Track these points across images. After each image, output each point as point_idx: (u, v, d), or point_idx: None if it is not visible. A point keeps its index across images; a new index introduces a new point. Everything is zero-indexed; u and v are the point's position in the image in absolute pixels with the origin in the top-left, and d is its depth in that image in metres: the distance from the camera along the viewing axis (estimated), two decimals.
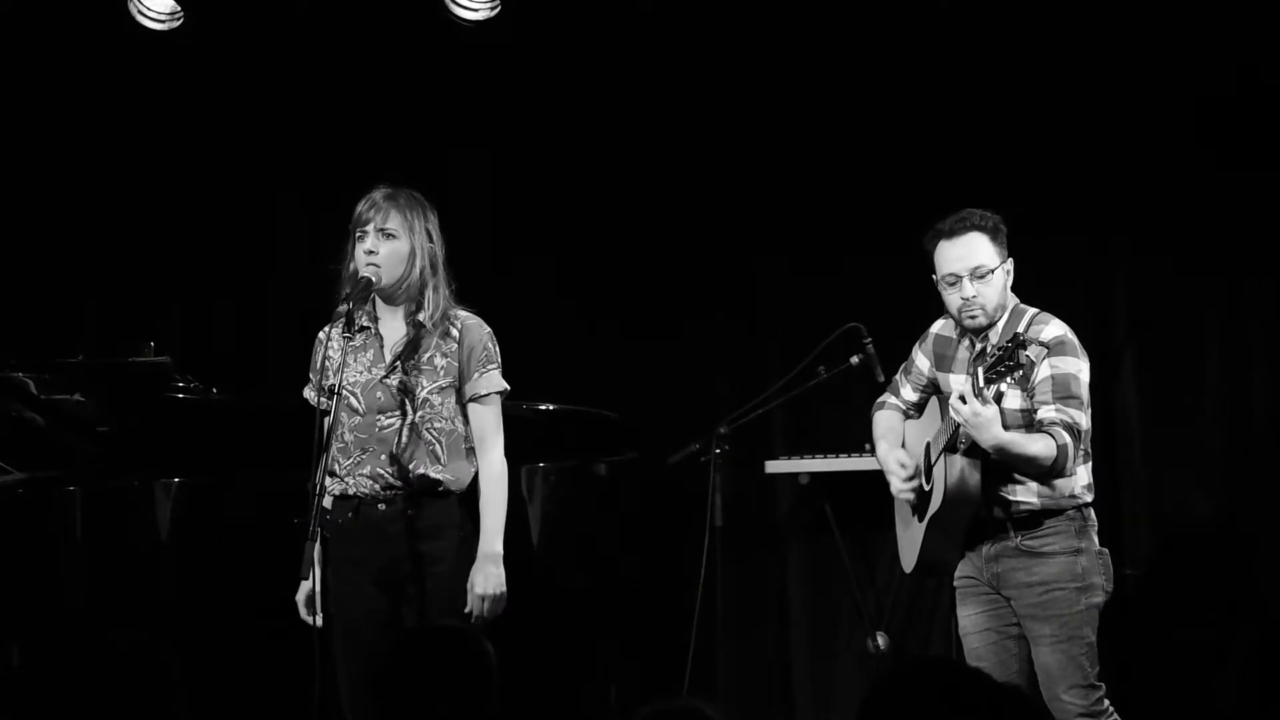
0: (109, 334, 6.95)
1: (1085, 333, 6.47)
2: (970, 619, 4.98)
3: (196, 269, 7.16)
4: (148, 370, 5.93)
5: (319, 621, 4.57)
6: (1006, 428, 4.71)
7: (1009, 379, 4.59)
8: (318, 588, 4.56)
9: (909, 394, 5.20)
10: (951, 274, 4.90)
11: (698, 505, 6.09)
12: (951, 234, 4.91)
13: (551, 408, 6.15)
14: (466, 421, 4.83)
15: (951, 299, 4.92)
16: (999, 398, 4.72)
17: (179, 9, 6.73)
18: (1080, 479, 4.86)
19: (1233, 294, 6.53)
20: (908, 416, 5.22)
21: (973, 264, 4.87)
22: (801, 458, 6.65)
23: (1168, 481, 6.54)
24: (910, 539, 5.11)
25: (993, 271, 4.86)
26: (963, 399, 4.62)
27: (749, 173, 6.86)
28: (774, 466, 6.67)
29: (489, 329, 4.83)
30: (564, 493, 5.95)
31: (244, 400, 6.15)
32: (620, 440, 6.26)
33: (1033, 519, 4.85)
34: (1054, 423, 4.74)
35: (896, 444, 5.16)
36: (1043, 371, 4.79)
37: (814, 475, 6.62)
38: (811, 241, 6.83)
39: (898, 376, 5.25)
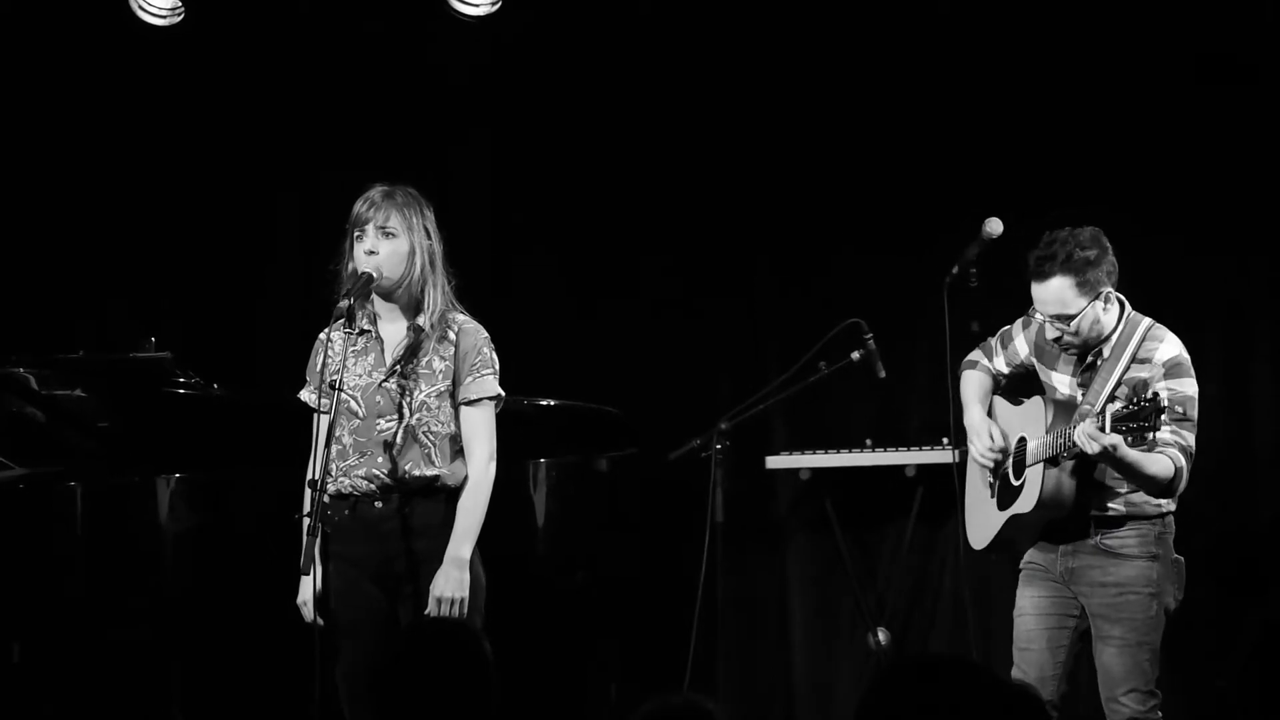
0: (110, 330, 6.95)
1: None
2: (1031, 601, 4.97)
3: (196, 265, 7.15)
4: (148, 366, 5.92)
5: (320, 619, 4.57)
6: None
7: (1135, 437, 4.54)
8: (318, 585, 4.56)
9: (1001, 365, 5.15)
10: (1039, 312, 4.87)
11: (698, 501, 6.09)
12: (1037, 275, 4.81)
13: (553, 403, 6.14)
14: None
15: (1048, 330, 4.90)
16: (1106, 408, 4.73)
17: (180, 4, 6.73)
18: None
19: (1233, 292, 6.52)
20: (997, 384, 5.17)
21: (1053, 311, 4.82)
22: (802, 453, 6.64)
23: None
24: (984, 520, 5.10)
25: (1076, 316, 4.78)
26: (1092, 438, 4.59)
27: (750, 169, 6.85)
28: (775, 462, 6.66)
29: (486, 334, 4.82)
30: (565, 488, 5.95)
31: (245, 396, 6.15)
32: (621, 436, 6.26)
33: (1116, 520, 4.85)
34: (1169, 444, 4.73)
35: (986, 408, 5.11)
36: (1159, 395, 4.74)
37: (815, 471, 6.61)
38: (812, 238, 6.83)
39: (993, 342, 5.18)
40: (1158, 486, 4.77)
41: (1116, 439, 4.56)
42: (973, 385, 5.19)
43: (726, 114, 6.84)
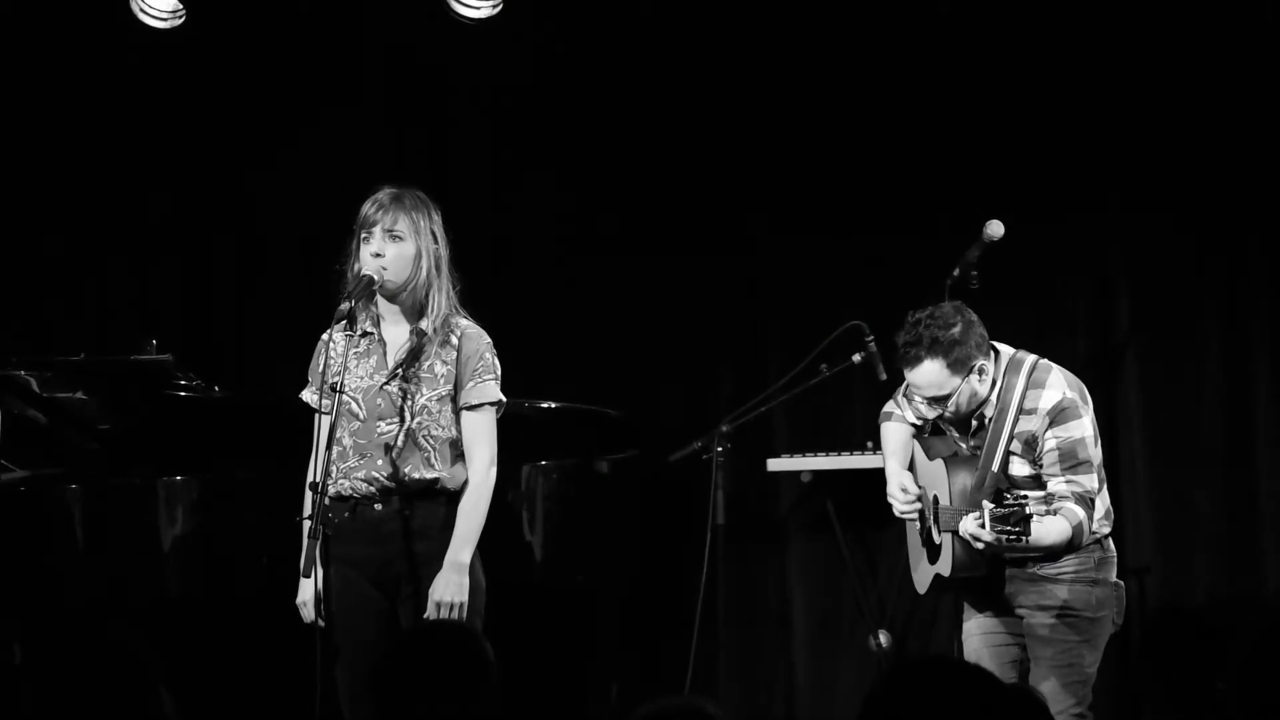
0: (111, 331, 6.96)
1: (1087, 329, 6.48)
2: (976, 620, 4.97)
3: (196, 265, 7.16)
4: (149, 368, 5.92)
5: (321, 621, 4.57)
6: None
7: (1014, 536, 4.52)
8: (319, 586, 4.56)
9: (912, 416, 5.15)
10: (916, 396, 4.88)
11: (699, 503, 6.10)
12: (906, 362, 4.79)
13: (553, 405, 6.14)
14: None
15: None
16: (1006, 465, 4.75)
17: (180, 7, 6.73)
18: (1097, 511, 4.81)
19: (1232, 289, 6.52)
20: (919, 431, 5.19)
21: (928, 395, 4.82)
22: (803, 455, 6.64)
23: (1168, 478, 6.54)
24: (920, 568, 5.13)
25: (952, 395, 4.77)
26: (974, 537, 4.59)
27: (751, 170, 6.85)
28: (776, 464, 6.66)
29: (489, 339, 4.81)
30: (565, 490, 5.95)
31: (246, 398, 6.15)
32: (622, 438, 6.26)
33: (1051, 554, 4.81)
34: (1065, 496, 4.71)
35: (905, 463, 5.12)
36: (1048, 444, 4.75)
37: (816, 473, 6.61)
38: (814, 239, 6.82)
39: (903, 395, 5.17)
40: (1061, 548, 4.73)
41: (998, 537, 4.55)
42: (891, 440, 5.17)
43: (729, 107, 6.83)
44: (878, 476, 6.49)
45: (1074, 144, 6.55)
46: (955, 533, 4.77)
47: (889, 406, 5.24)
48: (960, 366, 4.74)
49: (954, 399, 4.78)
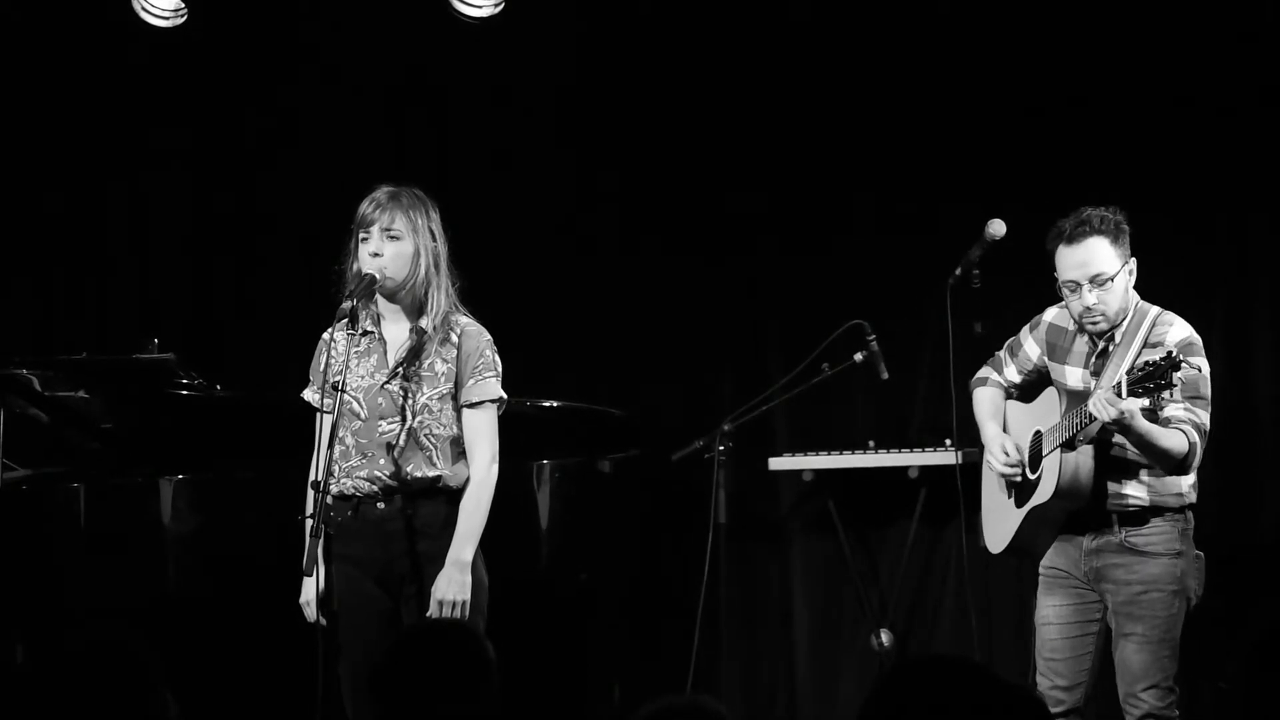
0: (111, 331, 6.96)
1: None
2: (1054, 610, 4.97)
3: (197, 265, 7.16)
4: (151, 367, 5.93)
5: (323, 620, 4.58)
6: None
7: (1155, 397, 4.54)
8: (321, 585, 4.57)
9: (1012, 375, 5.16)
10: (1071, 280, 4.86)
11: (701, 502, 6.10)
12: (1072, 239, 4.85)
13: (556, 404, 6.15)
14: None
15: (1073, 305, 4.89)
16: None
17: (182, 5, 6.73)
18: (1188, 477, 4.86)
19: (1233, 289, 6.52)
20: (1009, 395, 5.20)
21: (1093, 271, 4.82)
22: (805, 454, 6.64)
23: None
24: (1002, 521, 5.10)
25: (1113, 278, 4.82)
26: (1109, 403, 4.59)
27: (752, 169, 6.85)
28: (777, 463, 6.66)
29: (489, 337, 4.81)
30: (568, 489, 5.95)
31: (248, 397, 6.15)
32: (624, 437, 6.26)
33: (1140, 515, 4.85)
34: (1183, 421, 4.75)
35: (1001, 425, 5.14)
36: (1172, 350, 4.74)
37: (817, 472, 6.61)
38: (815, 239, 6.82)
39: (1002, 354, 5.19)
40: (1172, 462, 4.77)
41: (1132, 404, 4.56)
42: (985, 402, 5.20)
43: (731, 109, 6.83)
44: (879, 476, 6.52)
45: (1073, 143, 6.55)
46: (1064, 445, 4.79)
47: (983, 371, 5.25)
48: (1121, 252, 4.85)
49: (1112, 285, 4.82)
